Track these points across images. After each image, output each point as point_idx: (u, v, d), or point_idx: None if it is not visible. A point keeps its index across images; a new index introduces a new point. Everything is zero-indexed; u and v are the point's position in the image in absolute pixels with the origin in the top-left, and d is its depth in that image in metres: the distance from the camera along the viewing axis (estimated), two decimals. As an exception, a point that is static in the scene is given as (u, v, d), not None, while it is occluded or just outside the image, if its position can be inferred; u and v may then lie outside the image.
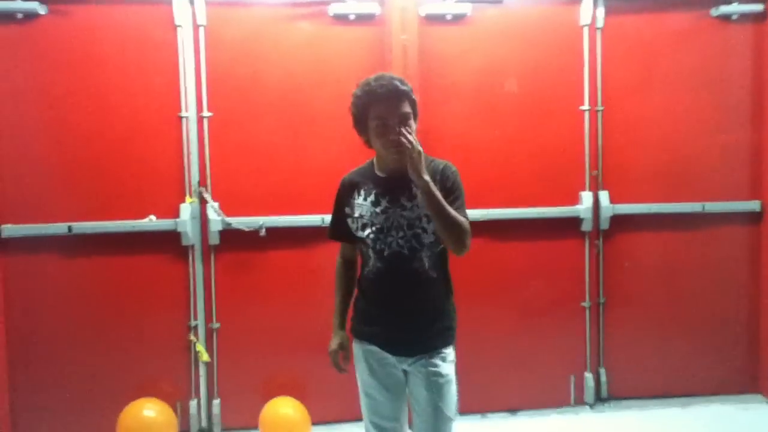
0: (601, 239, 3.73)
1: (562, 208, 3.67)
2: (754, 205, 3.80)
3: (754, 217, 3.82)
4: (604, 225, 3.70)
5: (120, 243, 3.37)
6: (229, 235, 3.41)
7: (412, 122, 2.05)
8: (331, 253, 3.36)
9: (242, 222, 3.41)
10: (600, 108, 3.68)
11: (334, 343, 2.29)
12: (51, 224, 3.31)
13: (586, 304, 3.73)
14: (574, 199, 3.68)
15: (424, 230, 2.10)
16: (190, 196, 3.40)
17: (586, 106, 3.65)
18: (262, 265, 3.48)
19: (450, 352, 2.19)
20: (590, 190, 3.68)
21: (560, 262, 3.71)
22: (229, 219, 3.40)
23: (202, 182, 3.40)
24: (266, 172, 3.45)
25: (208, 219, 3.40)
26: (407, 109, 2.04)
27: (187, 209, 3.37)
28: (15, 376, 3.35)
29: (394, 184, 2.13)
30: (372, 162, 2.22)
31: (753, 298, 3.86)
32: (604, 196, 3.68)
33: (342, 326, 2.30)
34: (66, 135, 3.32)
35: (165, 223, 3.37)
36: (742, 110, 3.79)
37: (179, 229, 3.37)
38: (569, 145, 3.67)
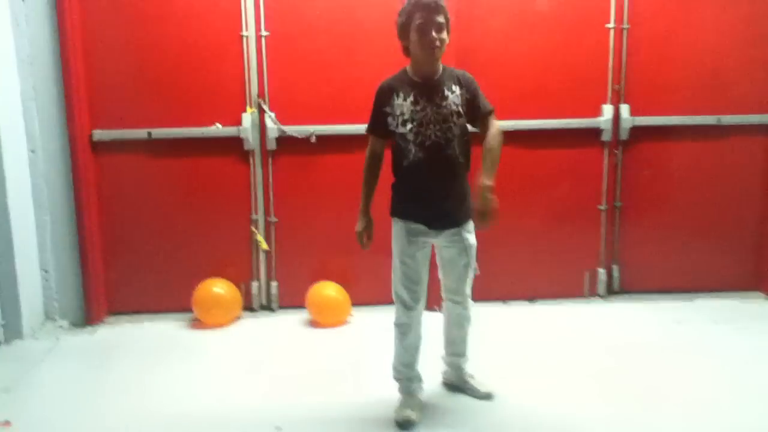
0: (620, 149, 4.06)
1: (585, 120, 3.99)
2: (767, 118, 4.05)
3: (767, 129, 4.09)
4: (624, 135, 4.02)
5: (191, 147, 3.87)
6: (284, 141, 3.88)
7: (445, 31, 2.54)
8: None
9: (295, 130, 3.87)
10: (626, 26, 3.93)
11: (360, 225, 2.78)
12: (133, 130, 3.83)
13: (603, 207, 4.11)
14: (596, 111, 4.00)
15: (455, 124, 2.60)
16: (251, 106, 3.86)
17: (612, 24, 3.92)
18: (313, 168, 3.95)
19: (471, 223, 2.74)
20: (612, 103, 3.99)
21: (581, 169, 4.07)
22: (284, 127, 3.87)
23: (260, 94, 3.85)
24: (318, 86, 3.86)
25: (267, 127, 3.87)
26: (442, 20, 2.52)
27: (248, 118, 3.84)
28: (108, 257, 3.96)
29: (428, 87, 2.60)
30: (405, 70, 2.66)
31: (761, 204, 4.16)
32: (624, 108, 3.98)
33: (368, 211, 2.78)
34: (145, 52, 3.78)
35: (229, 130, 3.85)
36: (763, 26, 3.98)
37: (241, 136, 3.85)
38: (594, 61, 3.95)
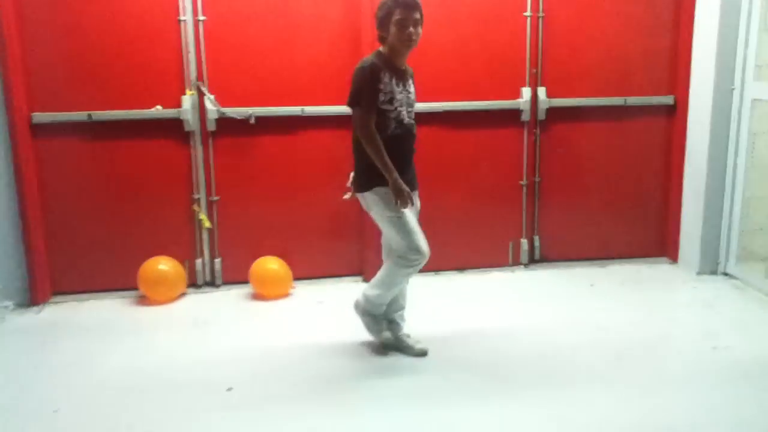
0: (538, 128, 4.40)
1: (505, 102, 4.32)
2: (668, 99, 4.47)
3: (669, 110, 4.51)
4: (541, 116, 4.36)
5: (131, 129, 3.98)
6: (224, 122, 4.04)
7: (420, 26, 2.92)
8: (309, 138, 4.11)
9: (234, 111, 4.03)
10: (541, 14, 4.26)
11: (405, 186, 2.93)
12: (73, 112, 3.90)
13: (523, 182, 4.46)
14: (516, 94, 4.33)
15: (413, 108, 3.09)
16: (190, 89, 4.00)
17: (528, 12, 4.24)
18: (253, 147, 4.12)
19: None
20: (530, 86, 4.32)
21: (503, 148, 4.40)
22: (223, 109, 4.02)
23: (199, 77, 4.00)
24: (256, 69, 4.03)
25: (206, 109, 4.02)
26: (419, 16, 2.90)
27: (187, 100, 3.98)
28: (51, 238, 4.03)
29: (401, 73, 3.00)
30: (381, 54, 2.96)
31: (665, 178, 4.59)
32: (541, 91, 4.32)
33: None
34: (84, 35, 3.85)
35: (169, 112, 3.98)
36: (664, 16, 4.38)
37: (181, 117, 3.99)
38: (513, 46, 4.27)
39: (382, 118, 2.93)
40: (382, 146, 2.90)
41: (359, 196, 3.08)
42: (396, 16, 2.85)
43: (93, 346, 3.44)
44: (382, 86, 2.90)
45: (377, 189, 2.99)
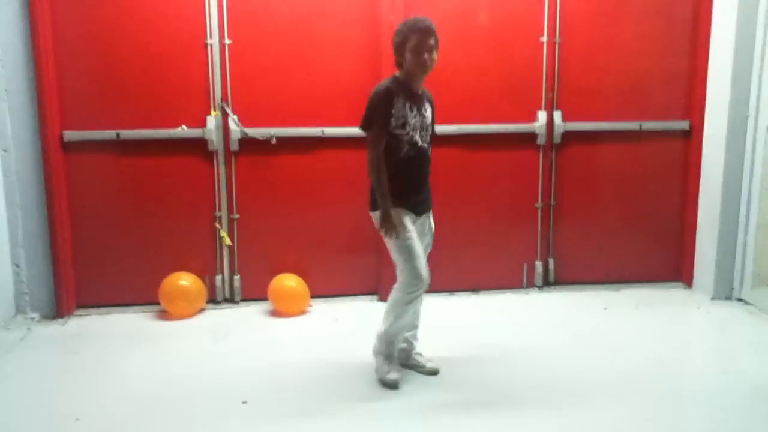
0: (554, 151, 4.48)
1: (521, 125, 4.39)
2: (684, 125, 4.52)
3: (684, 134, 4.55)
4: (557, 140, 4.43)
5: (157, 147, 4.11)
6: (246, 142, 4.16)
7: (435, 52, 2.99)
8: (328, 158, 4.22)
9: (257, 132, 4.16)
10: (557, 40, 4.35)
11: (394, 218, 3.00)
12: (102, 131, 4.05)
13: (538, 205, 4.51)
14: (532, 117, 4.41)
15: (430, 132, 3.15)
16: (215, 109, 4.13)
17: (545, 38, 4.34)
18: (274, 167, 4.23)
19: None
20: (545, 109, 4.40)
21: (518, 170, 4.47)
22: (246, 129, 4.15)
23: (224, 98, 4.13)
24: (278, 91, 4.15)
25: (230, 129, 4.14)
26: (434, 42, 2.97)
27: (212, 120, 4.11)
28: (78, 252, 4.16)
29: (417, 97, 3.07)
30: (397, 79, 3.04)
31: (680, 202, 4.61)
32: (557, 115, 4.40)
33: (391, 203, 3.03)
34: (114, 57, 4.01)
35: (194, 132, 4.12)
36: (680, 41, 4.44)
37: (206, 137, 4.12)
38: (529, 71, 4.35)
39: (396, 141, 3.00)
40: (384, 174, 2.98)
41: (372, 214, 3.14)
42: (411, 42, 2.93)
43: (115, 357, 3.54)
44: (394, 111, 2.97)
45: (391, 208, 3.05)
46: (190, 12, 4.03)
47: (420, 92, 3.10)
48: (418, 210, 3.13)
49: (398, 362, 3.31)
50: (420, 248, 3.08)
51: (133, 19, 4.00)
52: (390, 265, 3.20)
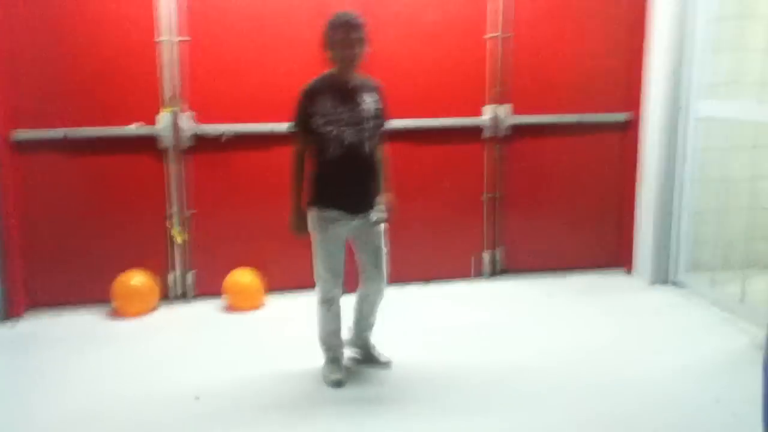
0: (500, 144, 4.61)
1: (468, 119, 4.52)
2: (623, 117, 4.71)
3: (624, 126, 4.74)
4: (503, 133, 4.57)
5: (108, 145, 4.11)
6: (200, 139, 4.18)
7: (361, 46, 2.97)
8: (282, 154, 4.23)
9: (209, 129, 4.19)
10: (503, 36, 4.46)
11: (297, 218, 3.14)
12: (51, 129, 4.02)
13: (485, 196, 4.66)
14: (478, 111, 4.54)
15: (368, 126, 3.07)
16: (166, 107, 4.13)
17: (492, 34, 4.46)
18: (227, 164, 4.26)
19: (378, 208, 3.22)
20: (492, 103, 4.54)
21: (466, 163, 4.60)
22: (198, 126, 4.17)
23: (176, 95, 4.13)
24: (232, 87, 4.18)
25: (180, 126, 4.16)
26: (359, 36, 2.96)
27: (163, 118, 4.12)
28: (27, 253, 4.12)
29: (348, 92, 3.03)
30: (329, 75, 3.04)
31: (621, 192, 4.81)
32: (502, 109, 4.54)
33: (300, 204, 3.12)
34: (62, 54, 3.98)
35: (146, 130, 4.12)
36: (621, 37, 4.61)
37: (157, 134, 4.13)
38: (477, 66, 4.48)
39: (322, 140, 3.02)
40: (299, 173, 3.09)
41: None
42: (335, 37, 2.96)
43: (65, 359, 3.53)
44: (318, 109, 2.99)
45: (312, 208, 3.13)
46: (140, 9, 4.03)
47: (356, 84, 3.07)
48: (354, 208, 3.12)
49: (354, 358, 3.40)
50: (337, 254, 3.12)
51: (83, 16, 3.98)
52: (348, 261, 3.27)
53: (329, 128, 3.00)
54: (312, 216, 3.11)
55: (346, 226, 3.12)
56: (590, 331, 3.81)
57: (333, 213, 3.08)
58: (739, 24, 4.13)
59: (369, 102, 3.09)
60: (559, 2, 4.51)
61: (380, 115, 3.14)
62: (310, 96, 3.02)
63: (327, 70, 3.07)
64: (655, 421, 2.84)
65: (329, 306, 3.19)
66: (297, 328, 3.89)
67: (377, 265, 3.24)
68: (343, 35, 2.95)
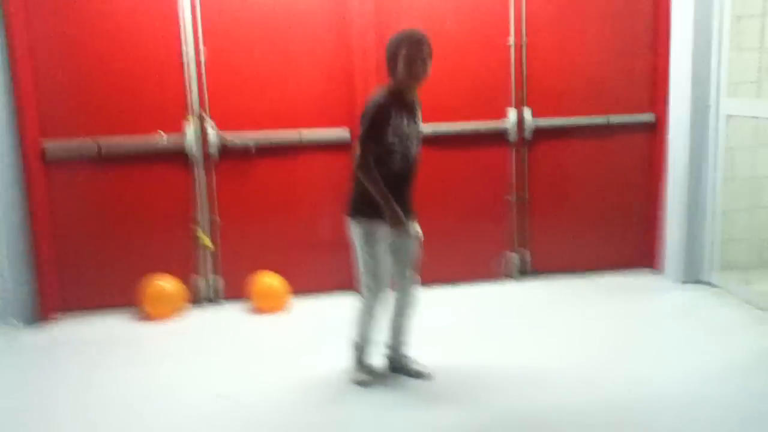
0: (525, 147, 4.60)
1: (493, 122, 4.53)
2: (649, 117, 4.67)
3: (649, 127, 4.70)
4: (528, 136, 4.56)
5: (137, 154, 4.21)
6: (225, 147, 4.25)
7: (428, 63, 3.00)
8: (306, 161, 4.32)
9: (235, 137, 4.25)
10: (524, 41, 4.47)
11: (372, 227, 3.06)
12: (81, 139, 4.12)
13: (512, 198, 4.65)
14: (503, 115, 4.54)
15: (420, 140, 3.15)
16: (192, 116, 4.20)
17: (512, 38, 4.46)
18: (253, 171, 4.32)
19: None
20: (515, 107, 4.53)
21: (492, 166, 4.60)
22: (224, 136, 4.23)
23: (202, 106, 4.21)
24: (255, 98, 4.24)
25: (208, 135, 4.22)
26: (427, 52, 2.98)
27: (190, 129, 4.20)
28: (59, 259, 4.22)
29: (410, 107, 3.07)
30: (391, 90, 3.03)
31: (647, 193, 4.75)
32: (527, 112, 4.54)
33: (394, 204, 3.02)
34: (91, 67, 4.10)
35: (173, 139, 4.20)
36: (642, 39, 4.58)
37: (184, 144, 4.20)
38: (499, 71, 4.49)
39: (389, 153, 3.00)
40: (380, 182, 2.97)
41: (350, 220, 3.13)
42: (403, 53, 2.93)
43: (97, 360, 3.61)
44: (390, 124, 2.96)
45: (361, 220, 3.07)
46: (165, 22, 4.12)
47: (415, 100, 3.12)
48: (408, 217, 3.13)
49: (386, 367, 3.38)
50: (385, 264, 3.11)
51: (109, 31, 4.09)
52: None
53: (396, 143, 3.00)
54: (362, 228, 3.07)
55: (391, 237, 3.10)
56: (619, 331, 3.78)
57: (382, 224, 3.04)
58: (761, 22, 4.08)
59: (420, 118, 3.15)
60: (577, 4, 4.50)
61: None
62: (385, 110, 2.97)
63: (388, 85, 3.05)
64: (691, 419, 2.80)
65: (373, 314, 3.18)
66: (321, 329, 3.91)
67: (411, 276, 3.26)
68: (411, 51, 2.94)
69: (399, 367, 3.36)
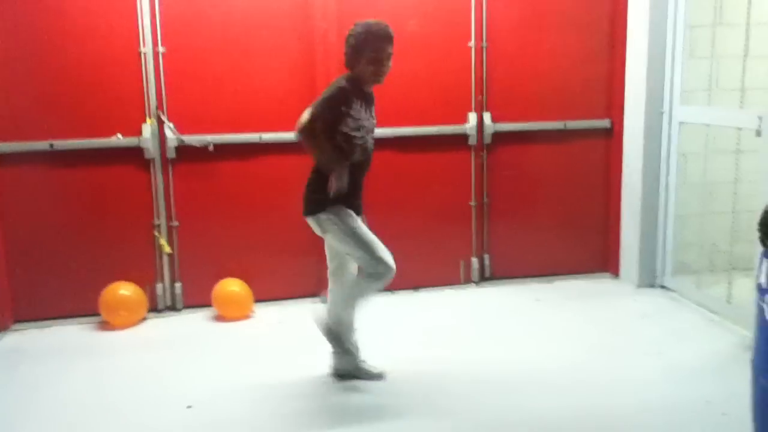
0: (485, 151, 4.65)
1: (453, 126, 4.55)
2: (605, 123, 4.77)
3: (606, 132, 4.80)
4: (487, 140, 4.61)
5: (92, 157, 4.10)
6: (184, 150, 4.18)
7: (390, 59, 2.99)
8: (267, 164, 4.27)
9: (194, 139, 4.18)
10: (485, 45, 4.53)
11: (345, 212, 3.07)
12: (35, 141, 4.01)
13: (472, 203, 4.68)
14: (463, 119, 4.58)
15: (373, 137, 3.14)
16: (150, 117, 4.14)
17: (472, 43, 4.51)
18: (213, 174, 4.26)
19: None
20: (475, 111, 4.58)
21: (452, 171, 4.63)
22: (182, 136, 4.17)
23: (159, 106, 4.14)
24: (214, 97, 4.19)
25: (166, 137, 4.15)
26: (392, 50, 2.98)
27: (147, 129, 4.12)
28: (12, 266, 4.09)
29: (370, 100, 3.09)
30: (351, 79, 3.00)
31: (605, 198, 4.86)
32: (487, 116, 4.58)
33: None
34: (46, 67, 3.98)
35: (130, 141, 4.12)
36: (600, 46, 4.68)
37: (141, 145, 4.12)
38: (460, 75, 4.52)
39: (349, 145, 3.00)
40: (327, 142, 2.94)
41: (310, 220, 3.11)
42: (370, 49, 2.93)
43: (53, 372, 3.50)
44: (353, 112, 2.96)
45: (330, 209, 3.04)
46: (122, 21, 4.04)
47: (372, 94, 3.13)
48: (357, 210, 3.17)
49: (339, 375, 3.32)
50: (373, 236, 3.10)
51: (65, 28, 3.98)
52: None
53: (357, 134, 3.00)
54: (336, 213, 3.04)
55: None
56: (579, 335, 3.84)
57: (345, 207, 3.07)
58: (712, 31, 4.20)
59: (374, 112, 3.16)
60: (537, 11, 4.56)
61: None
62: (348, 97, 2.95)
63: (349, 74, 3.03)
64: (646, 422, 2.87)
65: (380, 288, 3.12)
66: (286, 336, 3.89)
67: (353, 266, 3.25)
68: (377, 49, 2.94)
69: (353, 373, 3.31)
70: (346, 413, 3.04)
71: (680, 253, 4.50)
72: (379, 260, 3.03)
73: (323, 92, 3.01)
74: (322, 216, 3.06)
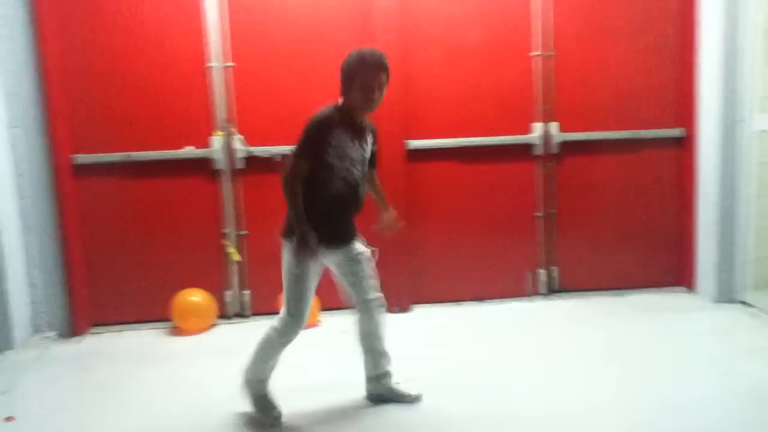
0: (552, 162, 4.57)
1: (518, 137, 4.50)
2: (678, 132, 4.61)
3: (679, 142, 4.64)
4: (555, 150, 4.54)
5: (165, 168, 4.27)
6: (252, 160, 4.30)
7: (384, 88, 2.83)
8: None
9: (261, 150, 4.29)
10: (551, 53, 4.45)
11: (314, 239, 2.85)
12: (111, 153, 4.20)
13: (539, 214, 4.61)
14: (526, 129, 4.51)
15: (365, 166, 2.99)
16: (219, 130, 4.26)
17: (538, 52, 4.45)
18: (279, 183, 4.33)
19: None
20: (542, 121, 4.51)
21: (518, 181, 4.57)
22: (250, 148, 4.28)
23: (228, 119, 4.26)
24: (279, 109, 4.28)
25: (234, 148, 4.27)
26: (384, 78, 2.82)
27: (216, 140, 4.25)
28: (91, 272, 4.29)
29: (361, 130, 2.93)
30: (340, 108, 2.87)
31: (678, 209, 4.69)
32: (553, 126, 4.51)
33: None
34: (120, 82, 4.18)
35: (201, 152, 4.26)
36: (670, 53, 4.55)
37: (211, 156, 4.26)
38: (525, 84, 4.47)
39: (329, 174, 2.84)
40: (299, 198, 2.82)
41: (283, 240, 2.99)
42: (360, 77, 2.78)
43: (127, 376, 3.63)
44: (333, 141, 2.81)
45: (292, 239, 2.89)
46: (190, 36, 4.19)
47: (365, 124, 2.95)
48: (336, 242, 2.97)
49: (374, 398, 3.19)
50: (313, 289, 2.97)
51: (136, 45, 4.17)
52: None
53: (339, 164, 2.84)
54: (293, 249, 2.89)
55: (325, 260, 3.00)
56: (654, 350, 3.69)
57: (321, 247, 2.89)
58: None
59: (370, 144, 2.99)
60: (604, 19, 4.48)
61: (373, 159, 3.05)
62: (330, 127, 2.82)
63: (338, 103, 2.90)
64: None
65: (286, 344, 3.02)
66: (349, 345, 3.88)
67: (367, 294, 3.09)
68: (367, 78, 2.78)
69: (387, 397, 3.18)
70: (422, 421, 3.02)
71: (761, 266, 4.28)
72: (293, 316, 2.93)
73: (304, 128, 2.86)
74: (285, 242, 2.97)
